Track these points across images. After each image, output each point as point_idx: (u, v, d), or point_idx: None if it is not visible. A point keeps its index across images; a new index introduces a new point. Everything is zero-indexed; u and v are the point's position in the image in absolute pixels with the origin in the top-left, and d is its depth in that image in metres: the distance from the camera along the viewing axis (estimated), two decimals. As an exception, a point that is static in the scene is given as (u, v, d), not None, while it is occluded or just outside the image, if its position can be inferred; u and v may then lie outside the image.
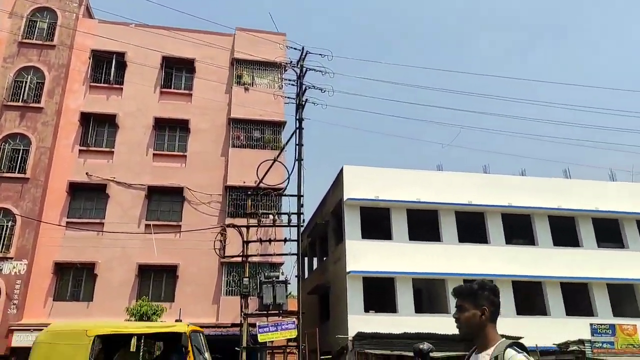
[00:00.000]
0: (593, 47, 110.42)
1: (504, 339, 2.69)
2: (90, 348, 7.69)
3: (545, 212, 21.94)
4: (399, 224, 20.70)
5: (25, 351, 17.73)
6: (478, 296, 2.77)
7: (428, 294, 22.10)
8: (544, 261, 20.93)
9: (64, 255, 19.49)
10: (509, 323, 18.91)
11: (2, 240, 19.11)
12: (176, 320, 18.00)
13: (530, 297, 21.22)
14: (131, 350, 7.84)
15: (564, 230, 22.08)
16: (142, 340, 8.00)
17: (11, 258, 18.85)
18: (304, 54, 18.45)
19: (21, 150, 20.41)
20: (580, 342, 18.89)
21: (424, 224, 21.25)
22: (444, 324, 18.47)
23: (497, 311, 2.77)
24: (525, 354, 2.56)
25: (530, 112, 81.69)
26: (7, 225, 19.31)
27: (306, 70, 18.50)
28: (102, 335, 8.09)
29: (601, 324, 19.48)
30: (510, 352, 2.56)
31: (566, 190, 22.51)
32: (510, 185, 22.26)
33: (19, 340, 17.79)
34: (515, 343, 2.62)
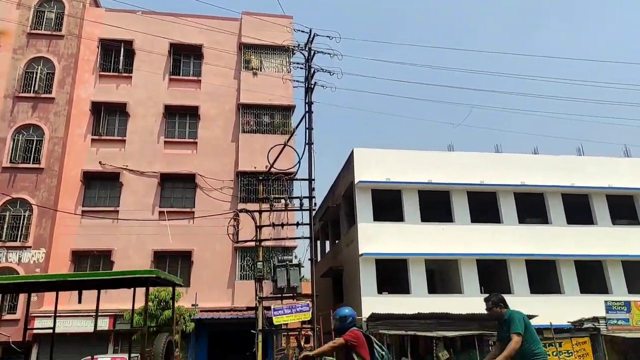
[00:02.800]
0: (606, 20, 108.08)
1: None
2: None
3: (558, 190, 21.76)
4: (411, 206, 20.69)
5: (46, 337, 18.26)
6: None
7: (441, 274, 22.17)
8: (558, 239, 20.84)
9: (80, 244, 19.82)
10: (523, 302, 18.95)
11: (20, 230, 19.47)
12: (192, 305, 18.39)
13: (544, 275, 21.19)
14: None
15: (578, 208, 21.92)
16: None
17: (29, 247, 19.22)
18: (311, 36, 18.31)
19: (35, 141, 20.65)
20: (595, 319, 18.86)
21: (436, 205, 21.22)
22: (457, 304, 18.60)
23: None
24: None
25: (542, 90, 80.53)
26: (24, 215, 19.65)
27: (314, 53, 18.37)
28: None
29: (616, 301, 19.39)
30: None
31: (579, 167, 22.28)
32: (522, 164, 22.08)
33: (40, 326, 18.21)
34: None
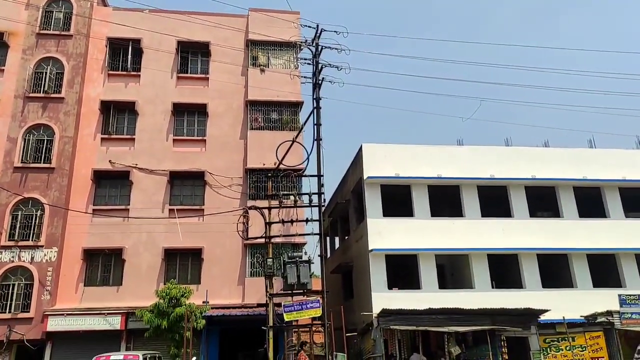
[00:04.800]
0: (617, 11, 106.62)
1: None
2: None
3: (570, 183, 21.52)
4: (421, 201, 20.58)
5: (59, 335, 18.47)
6: None
7: (451, 269, 22.05)
8: (570, 233, 20.62)
9: (92, 242, 19.97)
10: (535, 296, 18.84)
11: (32, 229, 19.65)
12: (203, 302, 18.47)
13: (556, 269, 20.99)
14: None
15: (590, 201, 21.67)
16: None
17: (42, 246, 19.40)
18: (318, 32, 18.26)
19: (45, 141, 20.80)
20: (609, 313, 18.69)
21: (445, 200, 21.09)
22: (468, 299, 18.50)
23: None
24: None
25: (553, 82, 79.69)
26: (36, 215, 19.83)
27: (321, 49, 18.33)
28: None
29: (630, 295, 19.20)
30: None
31: (591, 160, 22.01)
32: (533, 157, 21.85)
33: (53, 324, 18.43)
34: None
